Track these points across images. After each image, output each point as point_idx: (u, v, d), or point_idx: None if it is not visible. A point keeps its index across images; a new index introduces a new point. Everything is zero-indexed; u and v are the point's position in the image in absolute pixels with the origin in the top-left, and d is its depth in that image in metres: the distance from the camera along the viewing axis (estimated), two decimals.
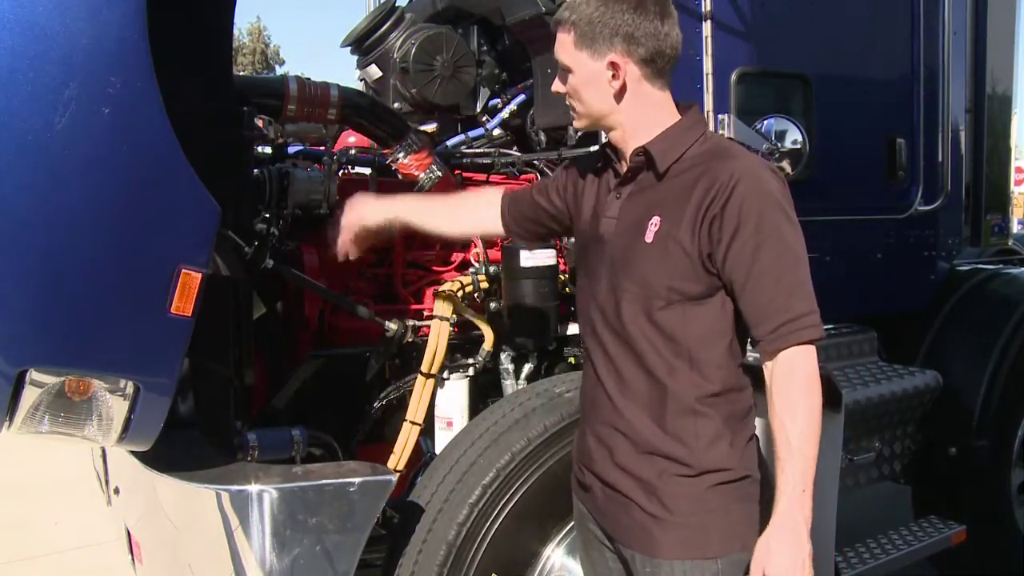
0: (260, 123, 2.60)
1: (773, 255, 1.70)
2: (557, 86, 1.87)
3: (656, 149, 1.79)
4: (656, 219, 1.78)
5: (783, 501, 1.68)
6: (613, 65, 1.75)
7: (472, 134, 3.35)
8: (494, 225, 2.21)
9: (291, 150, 3.00)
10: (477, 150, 3.25)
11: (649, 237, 1.78)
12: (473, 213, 2.26)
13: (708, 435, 1.79)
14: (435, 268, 3.03)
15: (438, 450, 2.62)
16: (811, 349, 1.72)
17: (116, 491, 2.74)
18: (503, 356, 2.83)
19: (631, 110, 1.80)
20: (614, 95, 1.78)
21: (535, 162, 3.11)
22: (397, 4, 3.34)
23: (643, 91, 1.78)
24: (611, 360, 1.86)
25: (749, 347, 1.84)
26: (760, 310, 1.72)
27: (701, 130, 1.84)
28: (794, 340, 1.70)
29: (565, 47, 1.80)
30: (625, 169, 1.86)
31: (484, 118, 3.43)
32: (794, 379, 1.70)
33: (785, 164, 2.90)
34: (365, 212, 2.21)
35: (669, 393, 1.80)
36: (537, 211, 2.13)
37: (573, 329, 2.89)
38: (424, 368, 2.64)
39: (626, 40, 1.73)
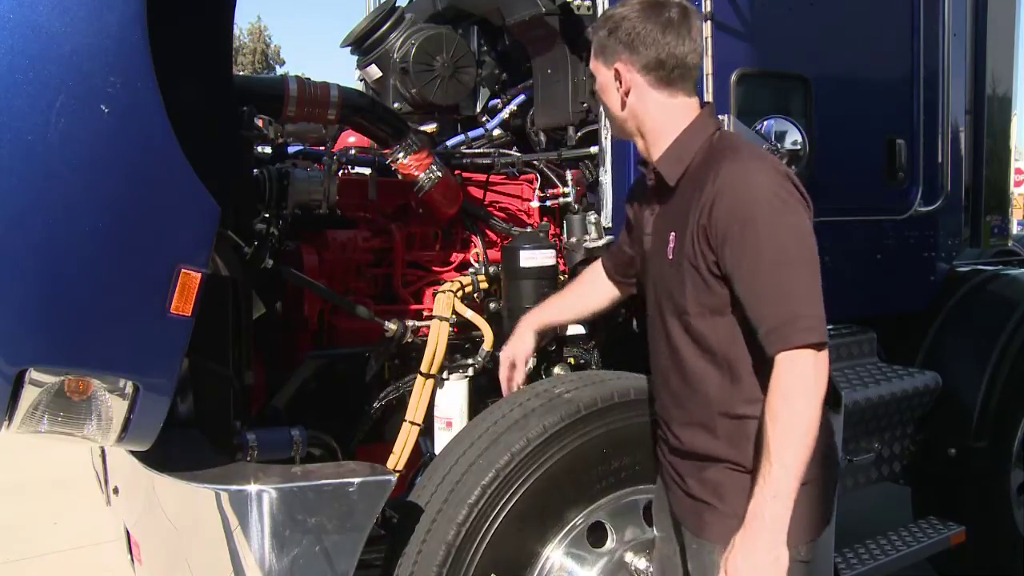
0: (260, 123, 2.60)
1: (761, 260, 1.71)
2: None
3: (663, 167, 1.90)
4: (672, 235, 1.88)
5: (753, 502, 1.71)
6: (617, 73, 1.88)
7: (472, 134, 3.35)
8: (610, 289, 2.38)
9: (291, 150, 3.00)
10: (477, 150, 3.25)
11: (670, 255, 1.88)
12: (592, 292, 2.41)
13: (754, 435, 1.81)
14: (435, 268, 3.03)
15: (437, 450, 2.62)
16: (800, 353, 1.68)
17: (115, 491, 2.74)
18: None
19: (644, 117, 1.91)
20: (621, 102, 1.91)
21: (535, 162, 3.11)
22: (397, 4, 3.34)
23: (651, 98, 1.88)
24: (664, 374, 1.99)
25: None
26: (755, 316, 1.74)
27: (708, 132, 1.89)
28: (781, 346, 1.69)
29: (591, 55, 1.97)
30: (652, 185, 1.98)
31: (484, 118, 3.43)
32: (778, 384, 1.70)
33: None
34: (519, 350, 2.42)
35: (715, 402, 1.86)
36: (626, 253, 2.27)
37: (573, 330, 2.89)
38: (423, 368, 2.64)
39: (628, 49, 1.85)
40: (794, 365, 1.68)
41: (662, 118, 1.89)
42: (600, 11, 2.61)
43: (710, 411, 1.88)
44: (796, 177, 1.83)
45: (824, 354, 1.71)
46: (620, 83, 1.89)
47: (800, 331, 1.68)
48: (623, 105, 1.91)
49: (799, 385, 1.68)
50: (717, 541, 1.87)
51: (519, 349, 2.43)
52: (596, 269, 2.43)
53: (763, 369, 1.79)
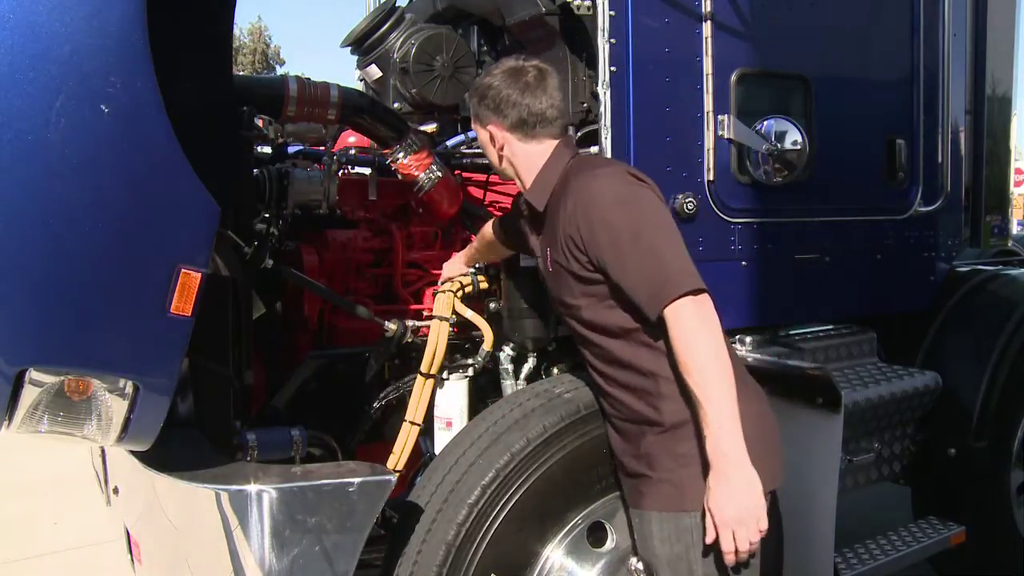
0: (260, 123, 2.60)
1: (621, 247, 1.96)
2: None
3: (531, 196, 2.21)
4: (548, 250, 2.19)
5: (708, 446, 1.88)
6: (491, 133, 2.21)
7: (472, 134, 3.35)
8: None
9: (291, 150, 3.00)
10: (477, 150, 3.24)
11: (549, 267, 2.20)
12: (499, 241, 2.71)
13: (668, 393, 2.01)
14: (435, 268, 3.03)
15: (437, 450, 2.62)
16: (680, 302, 1.88)
17: (115, 491, 2.74)
18: (503, 356, 2.82)
19: (517, 164, 2.23)
20: (498, 156, 2.25)
21: None
22: (397, 4, 3.34)
23: (520, 149, 2.21)
24: (593, 366, 2.21)
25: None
26: (633, 292, 1.96)
27: (565, 161, 2.18)
28: (660, 303, 1.90)
29: (471, 119, 2.30)
30: (528, 214, 2.30)
31: None
32: (673, 337, 1.91)
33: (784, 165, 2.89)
34: (452, 270, 2.86)
35: (625, 362, 2.09)
36: (500, 234, 2.65)
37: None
38: (423, 368, 2.64)
39: (495, 112, 2.17)
40: (677, 314, 1.89)
41: (530, 162, 2.21)
42: (600, 12, 2.61)
43: (626, 371, 2.09)
44: (639, 172, 2.11)
45: (704, 297, 1.91)
46: (494, 142, 2.21)
47: (671, 285, 1.89)
48: (500, 159, 2.25)
49: (688, 328, 1.89)
50: (651, 509, 2.08)
51: (453, 270, 2.85)
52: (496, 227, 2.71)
53: (656, 333, 2.00)
